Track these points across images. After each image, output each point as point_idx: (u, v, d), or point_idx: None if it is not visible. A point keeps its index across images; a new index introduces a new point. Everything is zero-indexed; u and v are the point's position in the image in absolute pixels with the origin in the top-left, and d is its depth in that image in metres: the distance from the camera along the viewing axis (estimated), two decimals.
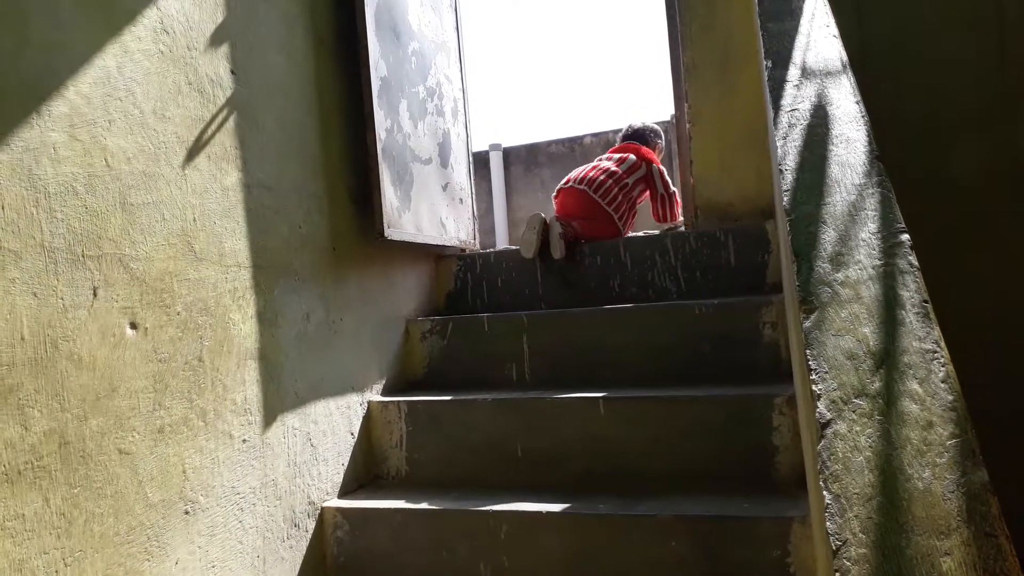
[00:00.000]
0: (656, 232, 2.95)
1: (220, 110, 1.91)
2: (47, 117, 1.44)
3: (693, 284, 2.69)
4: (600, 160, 3.41)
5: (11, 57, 1.39)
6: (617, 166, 3.29)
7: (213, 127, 1.88)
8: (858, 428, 0.93)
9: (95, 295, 1.52)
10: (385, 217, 2.42)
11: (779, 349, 2.26)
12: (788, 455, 1.96)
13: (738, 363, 2.31)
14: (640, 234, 2.93)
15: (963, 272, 2.48)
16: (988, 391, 2.23)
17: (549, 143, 5.94)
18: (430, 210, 2.77)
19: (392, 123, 2.53)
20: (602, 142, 5.63)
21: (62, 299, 1.45)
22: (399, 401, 2.41)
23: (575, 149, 5.81)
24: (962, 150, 2.52)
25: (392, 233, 2.46)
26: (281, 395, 2.05)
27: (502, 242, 5.92)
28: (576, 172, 3.36)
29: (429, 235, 2.75)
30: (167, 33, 1.77)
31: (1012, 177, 2.46)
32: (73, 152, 1.49)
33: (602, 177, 3.22)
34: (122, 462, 1.55)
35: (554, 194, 3.40)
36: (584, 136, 5.75)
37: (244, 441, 1.90)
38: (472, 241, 3.15)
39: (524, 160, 6.06)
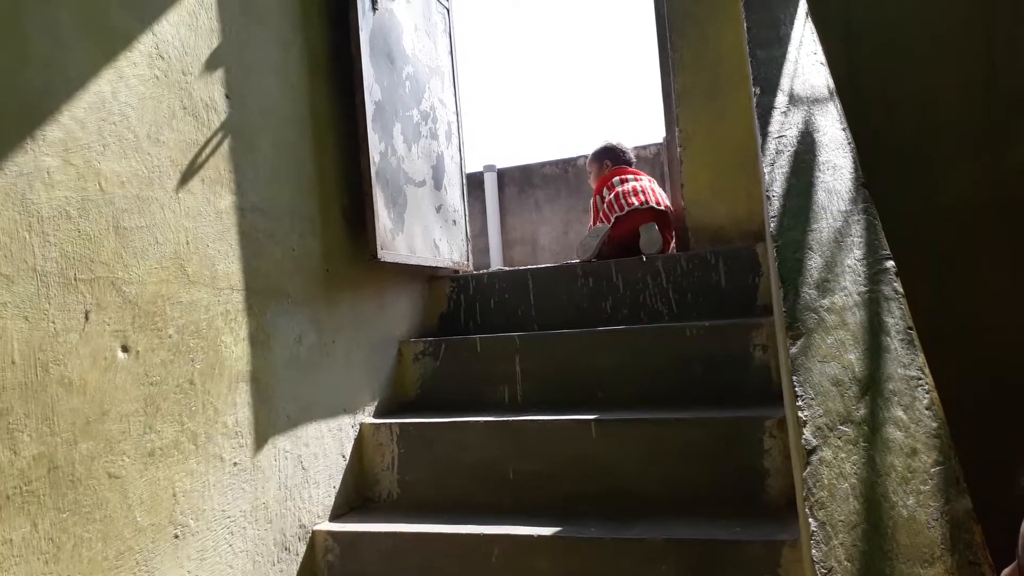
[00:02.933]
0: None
1: (214, 134, 1.93)
2: (42, 142, 1.46)
3: (684, 306, 2.70)
4: (633, 181, 3.34)
5: (9, 77, 1.40)
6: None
7: (207, 151, 1.90)
8: (843, 455, 0.93)
9: (87, 318, 1.52)
10: (378, 239, 2.44)
11: (770, 371, 2.27)
12: (778, 478, 1.97)
13: (729, 385, 2.32)
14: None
15: (951, 296, 2.50)
16: (978, 415, 2.25)
17: (543, 164, 5.97)
18: (424, 232, 2.79)
19: (386, 146, 2.55)
20: None
21: (53, 323, 1.45)
22: (391, 423, 2.40)
23: (568, 170, 5.84)
24: (949, 177, 2.55)
25: (385, 255, 2.47)
26: (272, 418, 2.04)
27: (496, 262, 5.93)
28: (626, 196, 3.25)
29: (422, 257, 2.76)
30: (162, 58, 1.78)
31: (998, 203, 2.49)
32: (67, 177, 1.50)
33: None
34: (112, 486, 1.55)
35: (615, 220, 3.22)
36: (577, 158, 5.78)
37: (235, 464, 1.89)
38: (466, 262, 3.16)
39: (518, 181, 6.09)
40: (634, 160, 3.72)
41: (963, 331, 2.46)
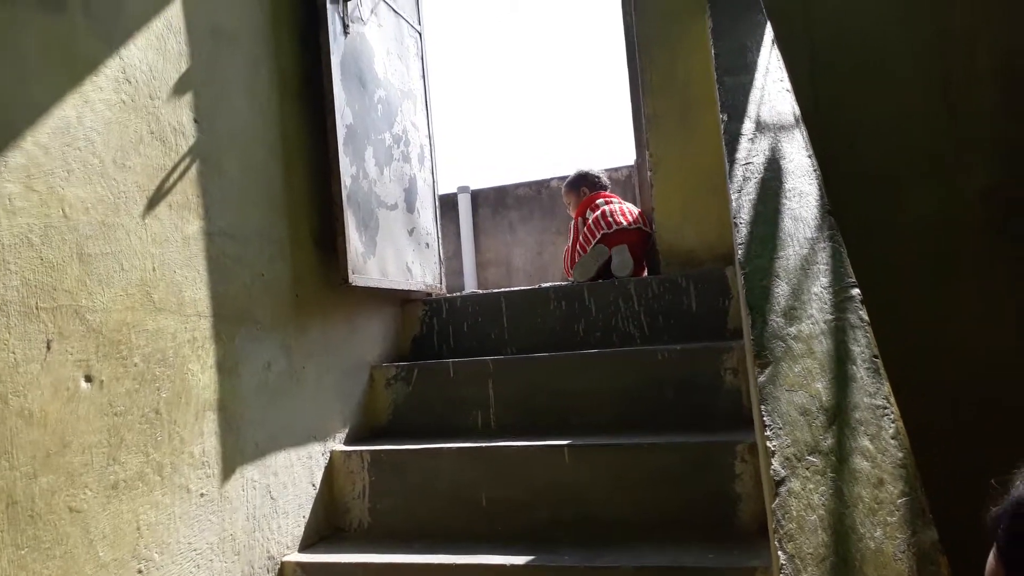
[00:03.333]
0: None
1: (183, 158, 1.91)
2: (3, 168, 1.43)
3: (656, 329, 2.71)
4: (617, 203, 3.42)
5: None
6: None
7: (175, 176, 1.88)
8: (811, 486, 0.94)
9: (48, 348, 1.49)
10: (350, 263, 2.42)
11: (740, 395, 2.28)
12: (750, 503, 1.97)
13: (701, 409, 2.32)
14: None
15: (918, 314, 2.54)
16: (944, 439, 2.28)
17: (517, 185, 5.99)
18: (396, 255, 2.78)
19: (358, 169, 2.54)
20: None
21: (14, 353, 1.42)
22: (362, 450, 2.38)
23: (542, 192, 5.87)
24: (914, 198, 2.60)
25: (357, 279, 2.46)
26: (240, 446, 2.01)
27: (470, 284, 5.92)
28: (613, 215, 3.32)
29: (395, 280, 2.75)
30: (129, 83, 1.76)
31: (963, 224, 2.54)
32: (29, 203, 1.48)
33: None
34: (73, 520, 1.51)
35: (601, 237, 3.29)
36: (551, 179, 5.81)
37: (202, 495, 1.86)
38: (439, 285, 3.15)
39: (492, 202, 6.10)
40: (609, 185, 3.80)
41: (929, 351, 2.50)
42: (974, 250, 2.54)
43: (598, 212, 3.37)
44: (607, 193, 3.57)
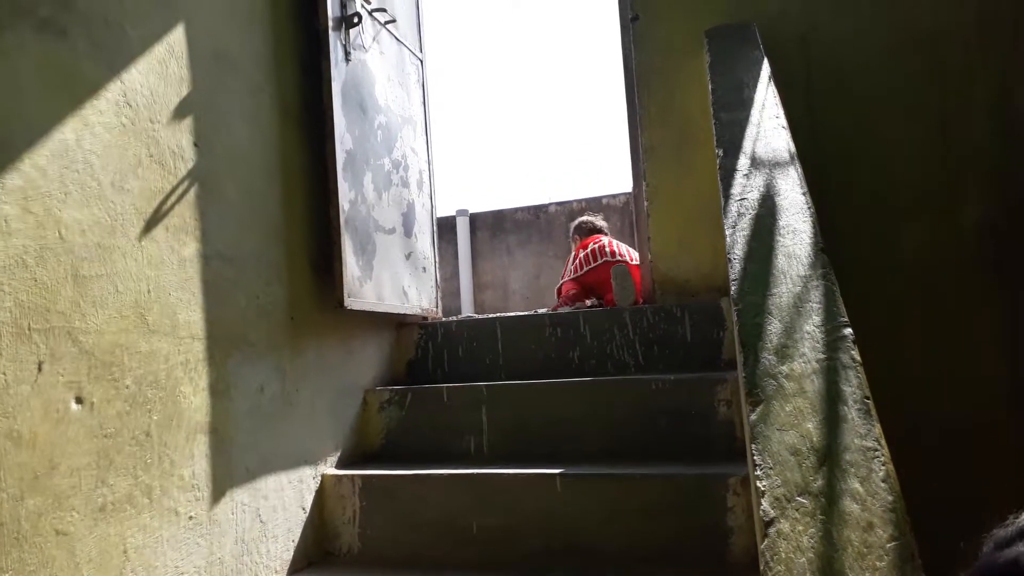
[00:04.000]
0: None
1: (181, 182, 1.92)
2: (0, 190, 1.43)
3: (651, 358, 2.71)
4: (610, 243, 4.02)
5: None
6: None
7: (173, 199, 1.88)
8: (801, 528, 0.93)
9: (40, 370, 1.49)
10: (346, 287, 2.42)
11: (734, 427, 2.27)
12: (742, 536, 1.96)
13: (694, 440, 2.32)
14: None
15: (910, 344, 2.55)
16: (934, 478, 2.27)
17: (515, 210, 6.02)
18: (392, 279, 2.78)
19: (356, 194, 2.55)
20: (566, 211, 5.72)
21: (4, 374, 1.41)
22: (353, 475, 2.36)
23: (540, 216, 5.89)
24: (909, 229, 2.62)
25: (353, 303, 2.46)
26: (231, 470, 2.00)
27: (467, 306, 5.93)
28: (605, 248, 3.92)
29: (391, 304, 2.75)
30: (129, 106, 1.78)
31: (955, 254, 2.56)
32: (25, 225, 1.48)
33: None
34: (59, 543, 1.49)
35: (589, 269, 3.89)
36: (549, 204, 5.84)
37: (190, 518, 1.84)
38: (435, 309, 3.15)
39: (491, 226, 6.13)
40: (603, 227, 4.40)
41: (922, 382, 2.51)
42: (969, 283, 2.55)
43: (587, 251, 3.97)
44: (597, 235, 4.17)
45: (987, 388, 2.50)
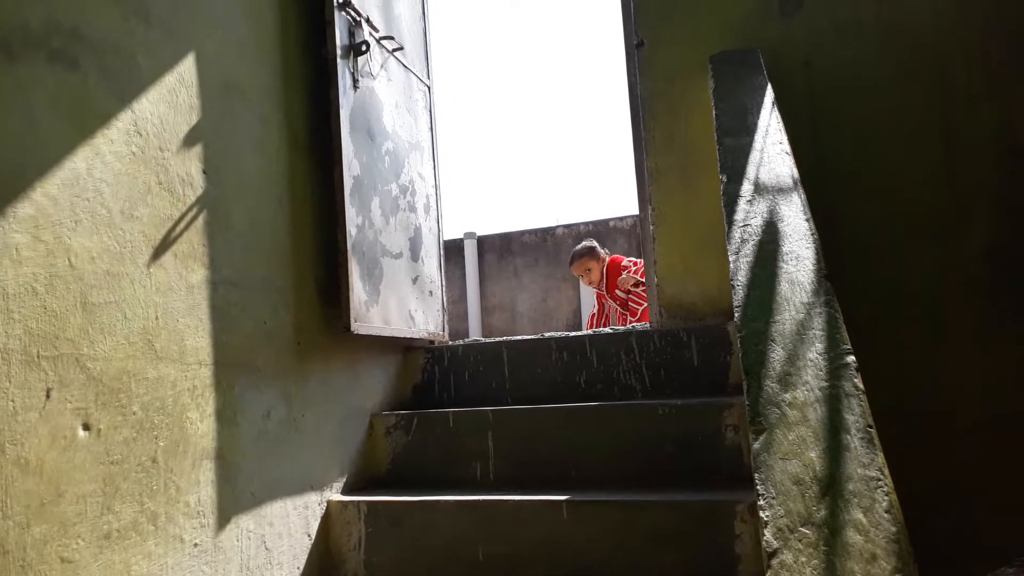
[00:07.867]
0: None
1: (189, 208, 1.94)
2: (12, 219, 1.46)
3: (657, 382, 2.70)
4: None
5: None
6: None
7: (181, 226, 1.90)
8: (804, 559, 0.93)
9: (48, 397, 1.50)
10: (353, 312, 2.43)
11: (741, 452, 2.26)
12: (750, 564, 1.94)
13: (701, 466, 2.30)
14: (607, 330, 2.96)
15: (915, 374, 2.54)
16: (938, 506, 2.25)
17: (523, 232, 6.04)
18: (399, 303, 2.79)
19: (363, 219, 2.57)
20: (573, 233, 5.73)
21: (13, 401, 1.43)
22: (359, 501, 2.36)
23: (547, 239, 5.91)
24: (913, 259, 2.61)
25: (359, 327, 2.47)
26: (236, 496, 2.00)
27: (475, 329, 5.93)
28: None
29: (397, 328, 2.76)
30: (140, 135, 1.80)
31: (962, 283, 2.55)
32: (36, 253, 1.50)
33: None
34: (64, 571, 1.50)
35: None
36: (557, 227, 5.86)
37: (195, 545, 1.84)
38: (441, 333, 3.16)
39: (498, 248, 6.14)
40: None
41: (926, 414, 2.49)
42: (977, 310, 2.53)
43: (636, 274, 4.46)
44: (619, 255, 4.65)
45: (1001, 423, 2.45)
